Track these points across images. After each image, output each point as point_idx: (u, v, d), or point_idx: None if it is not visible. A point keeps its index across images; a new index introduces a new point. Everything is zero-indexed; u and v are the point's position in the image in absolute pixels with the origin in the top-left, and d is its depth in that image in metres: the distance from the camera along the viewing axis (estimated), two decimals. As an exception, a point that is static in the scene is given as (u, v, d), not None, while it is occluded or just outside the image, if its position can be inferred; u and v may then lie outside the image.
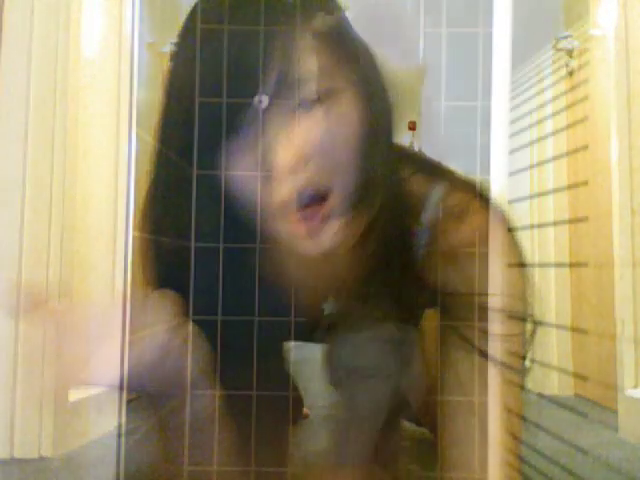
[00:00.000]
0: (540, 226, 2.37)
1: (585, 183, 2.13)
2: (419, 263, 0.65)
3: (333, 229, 0.59)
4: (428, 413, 1.22)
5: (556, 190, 2.33)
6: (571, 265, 2.29)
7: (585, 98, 2.16)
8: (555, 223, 2.33)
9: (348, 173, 0.58)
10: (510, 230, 0.69)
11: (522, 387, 0.66)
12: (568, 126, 2.30)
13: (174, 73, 0.61)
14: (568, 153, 2.31)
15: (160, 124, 0.64)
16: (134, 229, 0.70)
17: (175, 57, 0.62)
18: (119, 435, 0.66)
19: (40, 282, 1.26)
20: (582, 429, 1.57)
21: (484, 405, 0.60)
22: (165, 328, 0.60)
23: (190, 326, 0.63)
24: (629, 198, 1.46)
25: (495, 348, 0.60)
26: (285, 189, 0.55)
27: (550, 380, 2.29)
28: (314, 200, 0.57)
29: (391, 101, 0.64)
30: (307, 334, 0.77)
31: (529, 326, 0.67)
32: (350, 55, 0.61)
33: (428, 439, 1.33)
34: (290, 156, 0.54)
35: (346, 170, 0.58)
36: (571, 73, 2.26)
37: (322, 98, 0.56)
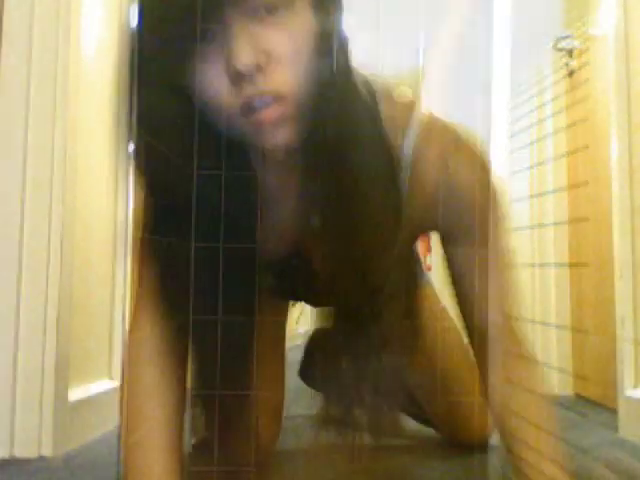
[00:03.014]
0: (540, 226, 2.37)
1: (585, 183, 2.13)
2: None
3: (287, 129, 0.64)
4: (436, 413, 1.23)
5: (556, 190, 2.33)
6: (571, 265, 2.29)
7: (585, 98, 2.16)
8: (555, 223, 2.33)
9: (302, 80, 0.63)
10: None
11: None
12: (568, 126, 2.30)
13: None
14: (568, 153, 2.31)
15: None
16: (134, 229, 0.70)
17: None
18: (119, 435, 0.66)
19: (40, 282, 1.26)
20: (582, 429, 1.57)
21: None
22: None
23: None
24: (629, 198, 1.46)
25: None
26: (244, 91, 0.60)
27: (550, 380, 2.29)
28: (270, 102, 0.61)
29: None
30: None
31: None
32: None
33: (435, 438, 1.33)
34: (250, 60, 0.59)
35: (300, 77, 0.62)
36: (571, 73, 2.26)
37: (279, 4, 0.61)
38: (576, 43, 2.19)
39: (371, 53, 0.69)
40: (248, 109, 0.61)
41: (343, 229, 0.66)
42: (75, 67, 1.34)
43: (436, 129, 0.73)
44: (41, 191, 1.28)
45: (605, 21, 1.77)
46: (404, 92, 0.79)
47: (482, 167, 0.73)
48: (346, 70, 0.67)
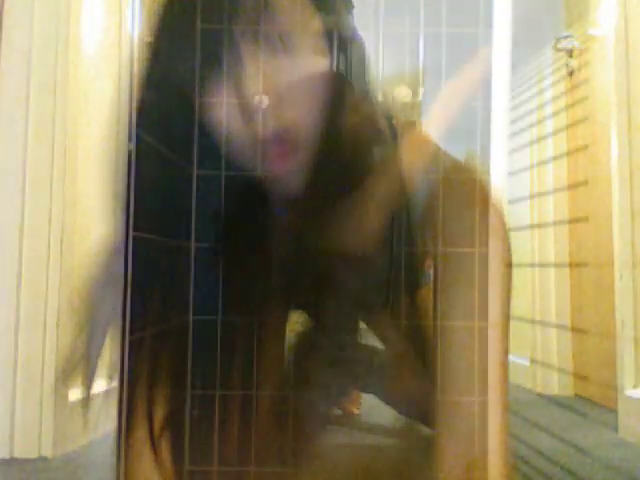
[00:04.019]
0: (540, 226, 2.37)
1: (585, 183, 2.13)
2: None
3: (296, 167, 0.59)
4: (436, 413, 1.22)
5: (556, 190, 2.33)
6: (571, 265, 2.29)
7: (585, 98, 2.16)
8: (555, 223, 2.33)
9: (314, 114, 0.58)
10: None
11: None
12: (568, 126, 2.30)
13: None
14: (568, 153, 2.31)
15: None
16: (134, 229, 0.70)
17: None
18: (119, 435, 0.66)
19: (40, 282, 1.26)
20: (582, 429, 1.57)
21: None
22: None
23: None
24: (629, 198, 1.47)
25: None
26: (252, 123, 0.56)
27: (550, 380, 2.29)
28: (280, 137, 0.58)
29: (363, 50, 0.64)
30: None
31: None
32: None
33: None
34: (258, 92, 0.55)
35: (312, 111, 0.58)
36: (571, 73, 2.26)
37: (294, 39, 0.57)
38: (576, 43, 2.20)
39: (371, 53, 0.67)
40: (256, 140, 0.57)
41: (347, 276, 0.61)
42: (75, 68, 1.34)
43: (462, 181, 0.67)
44: (41, 191, 1.28)
45: (605, 21, 1.78)
46: (404, 91, 0.78)
47: (502, 225, 0.67)
48: (366, 104, 0.63)
